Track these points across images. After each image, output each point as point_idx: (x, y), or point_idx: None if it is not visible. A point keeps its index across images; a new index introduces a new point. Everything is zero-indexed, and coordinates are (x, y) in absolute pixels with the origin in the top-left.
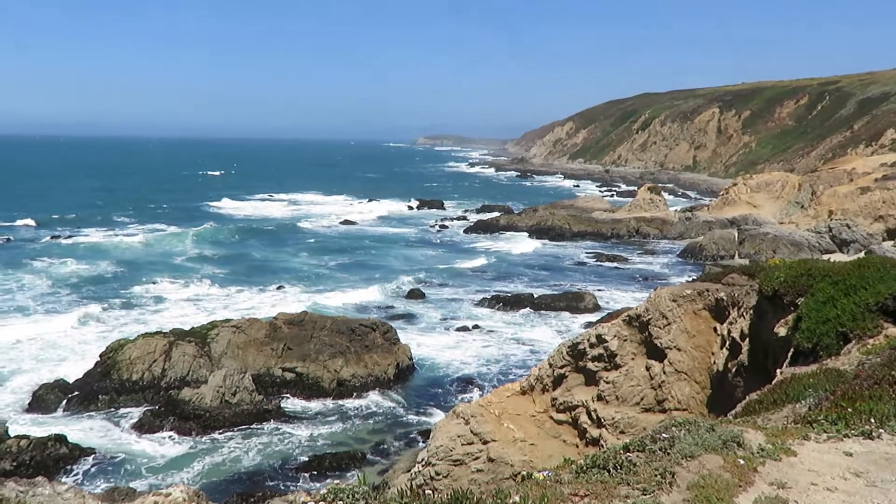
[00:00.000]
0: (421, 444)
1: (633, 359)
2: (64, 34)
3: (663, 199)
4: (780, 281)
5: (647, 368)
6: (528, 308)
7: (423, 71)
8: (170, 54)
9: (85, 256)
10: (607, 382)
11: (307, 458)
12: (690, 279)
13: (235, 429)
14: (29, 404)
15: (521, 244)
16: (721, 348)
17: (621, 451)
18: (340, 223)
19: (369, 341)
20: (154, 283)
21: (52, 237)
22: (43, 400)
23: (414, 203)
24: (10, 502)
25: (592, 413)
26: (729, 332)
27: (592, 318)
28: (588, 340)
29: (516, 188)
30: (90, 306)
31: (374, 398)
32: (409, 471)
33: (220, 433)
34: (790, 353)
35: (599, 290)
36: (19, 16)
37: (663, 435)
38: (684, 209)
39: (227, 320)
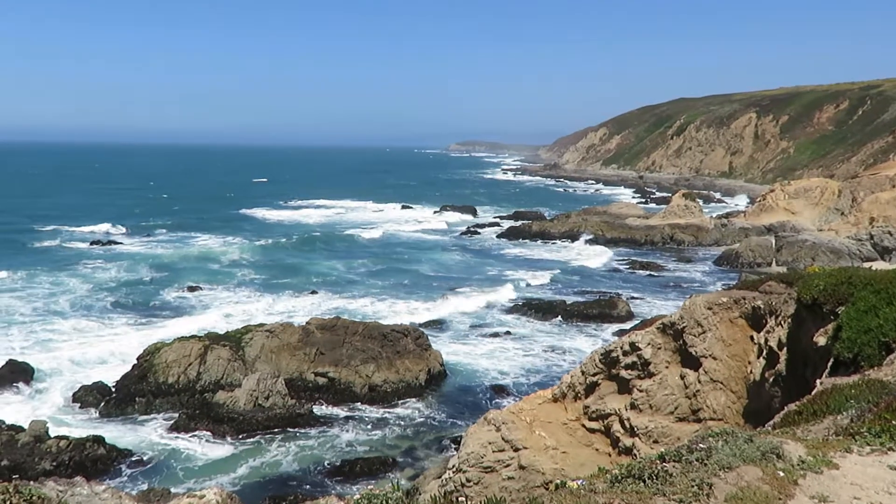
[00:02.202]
0: (452, 450)
1: (667, 367)
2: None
3: (698, 205)
4: (820, 289)
5: (682, 377)
6: (559, 315)
7: (455, 77)
8: (183, 63)
9: (125, 261)
10: (641, 391)
11: (339, 463)
12: (726, 287)
13: (268, 433)
14: (68, 406)
15: (561, 251)
16: (758, 357)
17: (657, 461)
18: (374, 228)
19: (401, 347)
20: (191, 287)
21: (94, 243)
22: (82, 401)
23: (446, 209)
24: (51, 502)
25: (625, 422)
26: (766, 340)
27: (626, 325)
28: (621, 348)
29: (549, 194)
30: (129, 310)
31: (405, 404)
32: (439, 477)
33: (253, 437)
34: (830, 364)
35: (633, 297)
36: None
37: (700, 445)
38: (720, 216)
39: (261, 325)
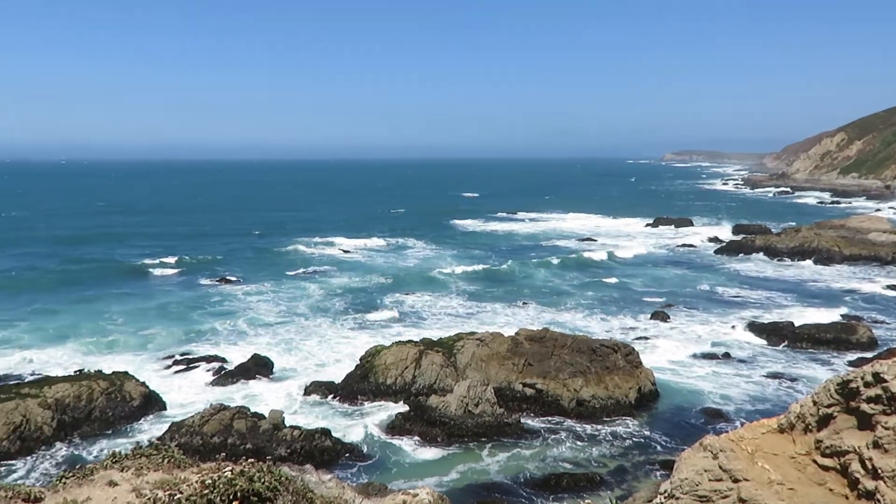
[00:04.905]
0: (660, 473)
1: None
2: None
3: None
4: None
5: None
6: (786, 339)
7: (668, 82)
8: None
9: (352, 269)
10: (886, 428)
11: (544, 476)
12: None
13: (477, 440)
14: (300, 398)
15: (789, 269)
16: None
17: None
18: (582, 240)
19: (610, 362)
20: (408, 294)
21: (319, 250)
22: (312, 395)
23: (660, 221)
24: (294, 481)
25: (867, 462)
26: None
27: (867, 354)
28: (862, 379)
29: (775, 206)
30: (355, 314)
31: (614, 422)
32: (650, 501)
33: (462, 442)
34: None
35: (876, 321)
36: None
37: None
38: None
39: (472, 333)
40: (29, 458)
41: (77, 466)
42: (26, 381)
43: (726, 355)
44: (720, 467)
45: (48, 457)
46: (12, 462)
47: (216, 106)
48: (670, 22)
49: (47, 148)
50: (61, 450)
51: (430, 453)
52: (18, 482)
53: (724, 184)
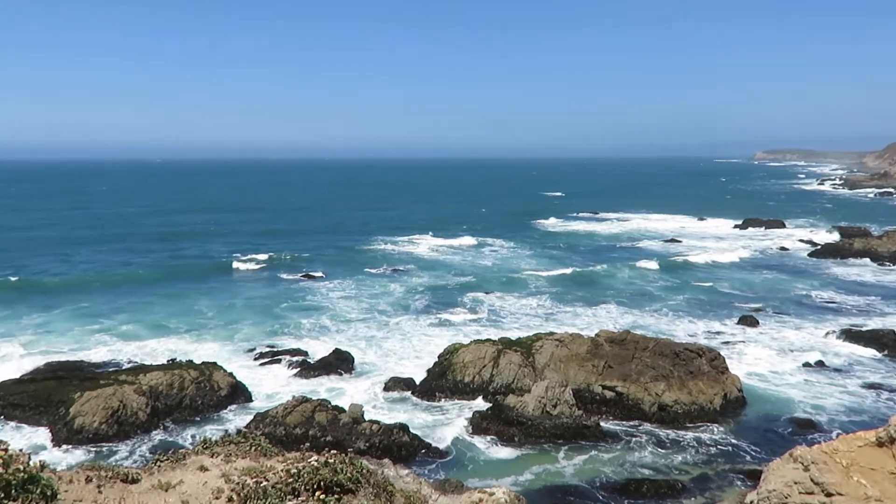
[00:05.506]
0: (745, 483)
1: None
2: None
3: None
4: None
5: None
6: (887, 347)
7: (758, 79)
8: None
9: (433, 268)
10: None
11: (622, 481)
12: None
13: (554, 441)
14: (379, 394)
15: (891, 274)
16: None
17: None
18: (666, 241)
19: (694, 367)
20: (487, 293)
21: (401, 249)
22: (391, 391)
23: (749, 222)
24: (374, 474)
25: None
26: None
27: None
28: None
29: (877, 208)
30: (435, 312)
31: (697, 428)
32: None
33: (539, 443)
34: None
35: None
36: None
37: None
38: None
39: (551, 333)
40: (128, 441)
41: (170, 451)
42: (123, 368)
43: (819, 363)
44: (812, 480)
45: (146, 440)
46: (113, 445)
47: (326, 108)
48: (758, 18)
49: (147, 147)
50: (158, 434)
51: (506, 452)
52: (118, 463)
53: (820, 184)
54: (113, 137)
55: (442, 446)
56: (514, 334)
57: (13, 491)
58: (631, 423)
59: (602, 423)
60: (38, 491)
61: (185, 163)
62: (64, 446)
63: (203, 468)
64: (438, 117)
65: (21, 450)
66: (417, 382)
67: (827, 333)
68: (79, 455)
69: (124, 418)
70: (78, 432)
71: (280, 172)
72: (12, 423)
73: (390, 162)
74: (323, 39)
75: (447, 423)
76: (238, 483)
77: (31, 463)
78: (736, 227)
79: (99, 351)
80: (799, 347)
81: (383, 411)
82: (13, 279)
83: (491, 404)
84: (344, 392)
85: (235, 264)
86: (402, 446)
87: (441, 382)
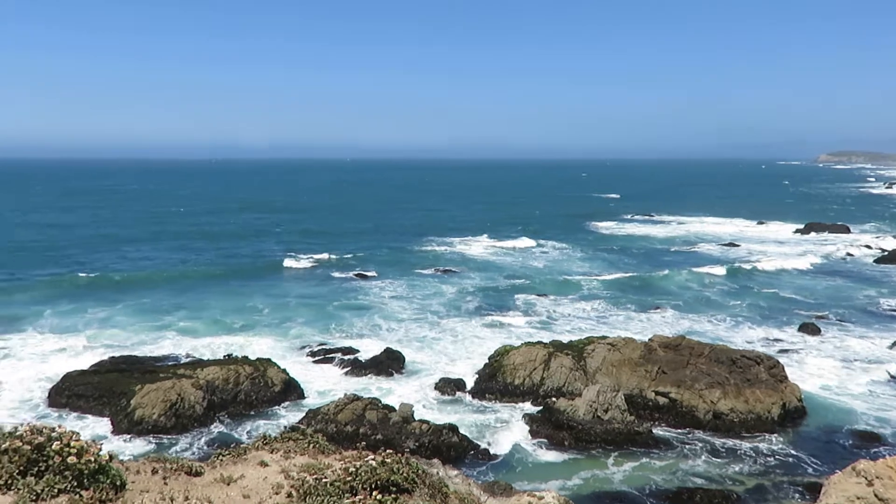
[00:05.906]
0: (804, 497)
1: None
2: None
3: None
4: None
5: None
6: None
7: (822, 80)
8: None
9: (485, 269)
10: None
11: (674, 489)
12: None
13: (604, 446)
14: (430, 394)
15: None
16: None
17: None
18: (724, 245)
19: (751, 375)
20: (539, 295)
21: (453, 250)
22: (441, 391)
23: (812, 227)
24: (430, 475)
25: None
26: None
27: None
28: None
29: None
30: (486, 313)
31: (754, 438)
32: None
33: (589, 448)
34: None
35: None
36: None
37: None
38: None
39: (603, 337)
40: (187, 434)
41: (231, 445)
42: (181, 363)
43: (887, 374)
44: (875, 495)
45: (204, 433)
46: (172, 437)
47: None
48: (821, 20)
49: (199, 147)
50: (216, 428)
51: (555, 456)
52: (178, 455)
53: (889, 187)
54: (161, 138)
55: (491, 448)
56: (565, 338)
57: (85, 480)
58: (684, 430)
59: (654, 430)
60: (108, 481)
61: (240, 162)
62: (124, 436)
63: (263, 463)
64: (511, 120)
65: (93, 440)
66: (468, 383)
67: (893, 343)
68: (139, 444)
69: (182, 411)
70: (138, 423)
71: (331, 172)
72: (76, 413)
73: (463, 162)
74: (405, 39)
75: (497, 425)
76: (297, 479)
77: (100, 453)
78: (797, 231)
79: (159, 345)
80: (863, 357)
81: (433, 411)
82: (81, 275)
83: (541, 407)
84: (394, 391)
85: (288, 262)
86: (452, 447)
87: (491, 384)
